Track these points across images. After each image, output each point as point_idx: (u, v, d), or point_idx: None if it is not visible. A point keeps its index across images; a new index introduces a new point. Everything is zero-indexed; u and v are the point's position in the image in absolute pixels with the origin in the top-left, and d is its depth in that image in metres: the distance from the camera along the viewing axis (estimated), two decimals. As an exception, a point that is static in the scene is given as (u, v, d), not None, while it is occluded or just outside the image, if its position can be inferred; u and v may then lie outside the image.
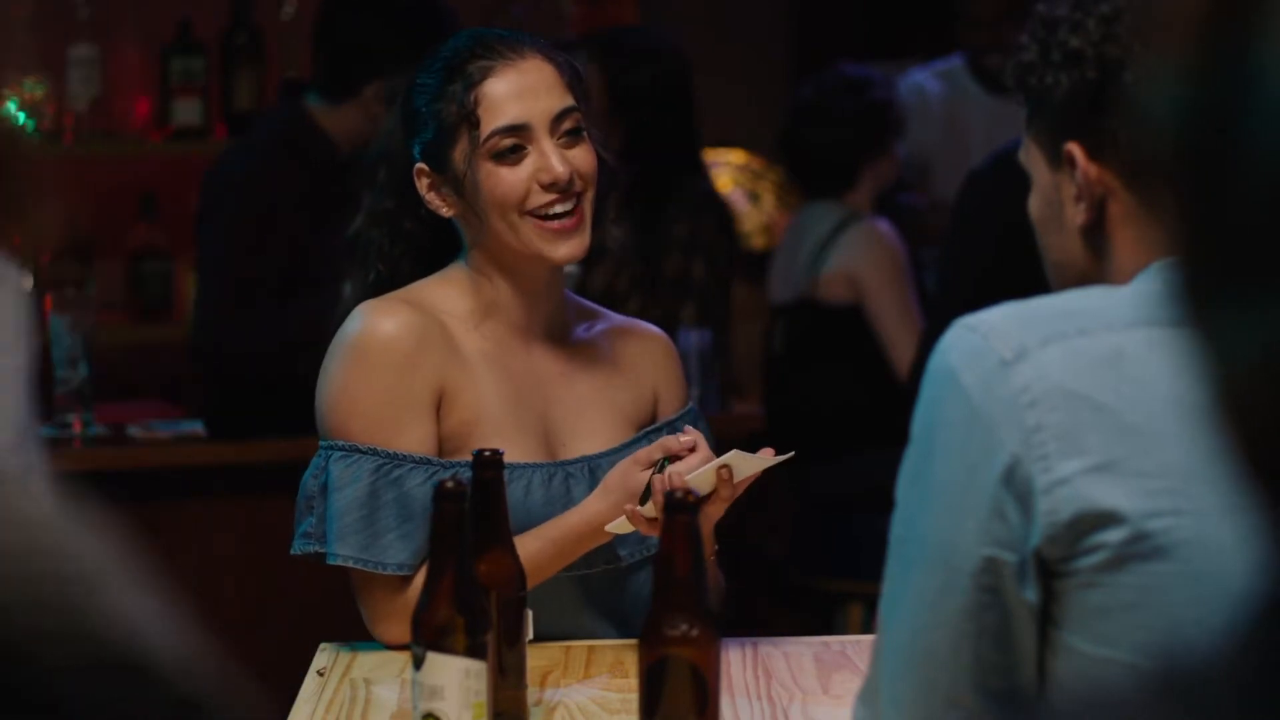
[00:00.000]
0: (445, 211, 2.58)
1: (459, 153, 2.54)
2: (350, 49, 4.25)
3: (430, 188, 2.57)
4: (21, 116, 5.08)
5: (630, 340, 2.72)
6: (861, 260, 4.87)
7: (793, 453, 2.46)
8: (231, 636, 4.50)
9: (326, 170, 4.28)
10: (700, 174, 4.67)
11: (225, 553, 4.13)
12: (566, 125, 2.54)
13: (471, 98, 2.52)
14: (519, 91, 2.52)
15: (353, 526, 2.48)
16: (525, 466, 2.55)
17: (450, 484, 2.09)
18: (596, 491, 2.51)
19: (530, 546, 2.43)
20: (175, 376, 5.12)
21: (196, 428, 4.28)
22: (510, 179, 2.52)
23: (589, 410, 2.63)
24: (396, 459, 2.49)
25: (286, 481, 4.15)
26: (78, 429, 4.12)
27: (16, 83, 5.02)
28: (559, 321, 2.66)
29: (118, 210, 5.25)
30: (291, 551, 2.56)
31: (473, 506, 2.19)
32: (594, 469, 2.59)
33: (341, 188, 4.37)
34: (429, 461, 2.50)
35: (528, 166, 2.52)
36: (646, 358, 2.71)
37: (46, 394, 4.15)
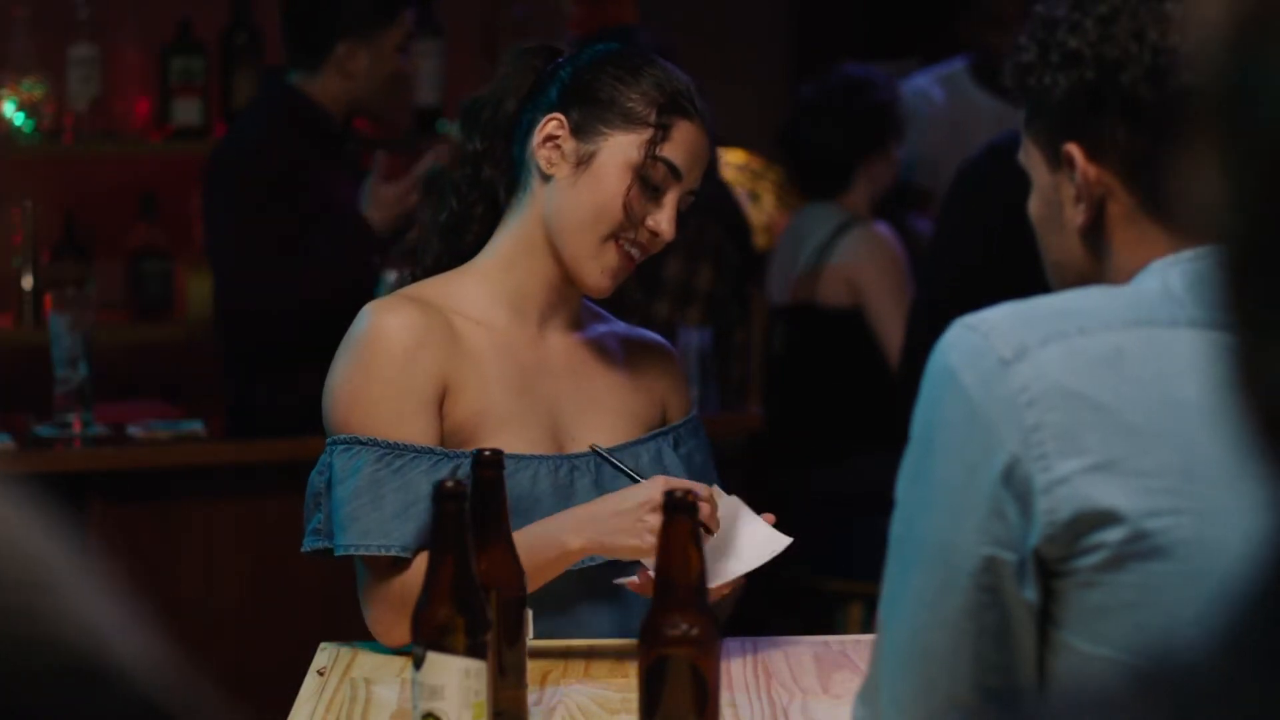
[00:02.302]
0: (548, 166, 2.58)
1: (619, 139, 2.56)
2: (313, 10, 4.32)
3: (550, 140, 2.58)
4: (20, 117, 5.08)
5: (638, 349, 2.75)
6: (862, 263, 4.87)
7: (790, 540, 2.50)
8: (231, 636, 4.52)
9: (326, 140, 4.32)
10: (711, 176, 4.66)
11: (225, 553, 4.13)
12: (687, 201, 2.61)
13: (668, 119, 2.57)
14: (692, 150, 2.60)
15: (355, 514, 2.49)
16: (532, 458, 2.56)
17: (450, 484, 2.09)
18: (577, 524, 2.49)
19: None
20: (175, 376, 5.12)
21: (196, 428, 4.28)
22: (635, 204, 2.56)
23: (599, 406, 2.65)
24: (397, 449, 2.50)
25: (286, 481, 4.17)
26: (78, 429, 4.12)
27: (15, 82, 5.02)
28: (576, 316, 2.69)
29: (118, 210, 5.25)
30: (302, 549, 2.56)
31: (473, 506, 2.19)
32: (599, 463, 2.60)
33: (341, 157, 4.42)
34: (432, 451, 2.51)
35: (652, 205, 2.57)
36: (654, 367, 2.74)
37: (46, 394, 4.15)
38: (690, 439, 2.71)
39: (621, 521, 2.45)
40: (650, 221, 2.57)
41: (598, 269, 2.58)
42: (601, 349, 2.70)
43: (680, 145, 2.58)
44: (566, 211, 2.58)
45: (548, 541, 2.47)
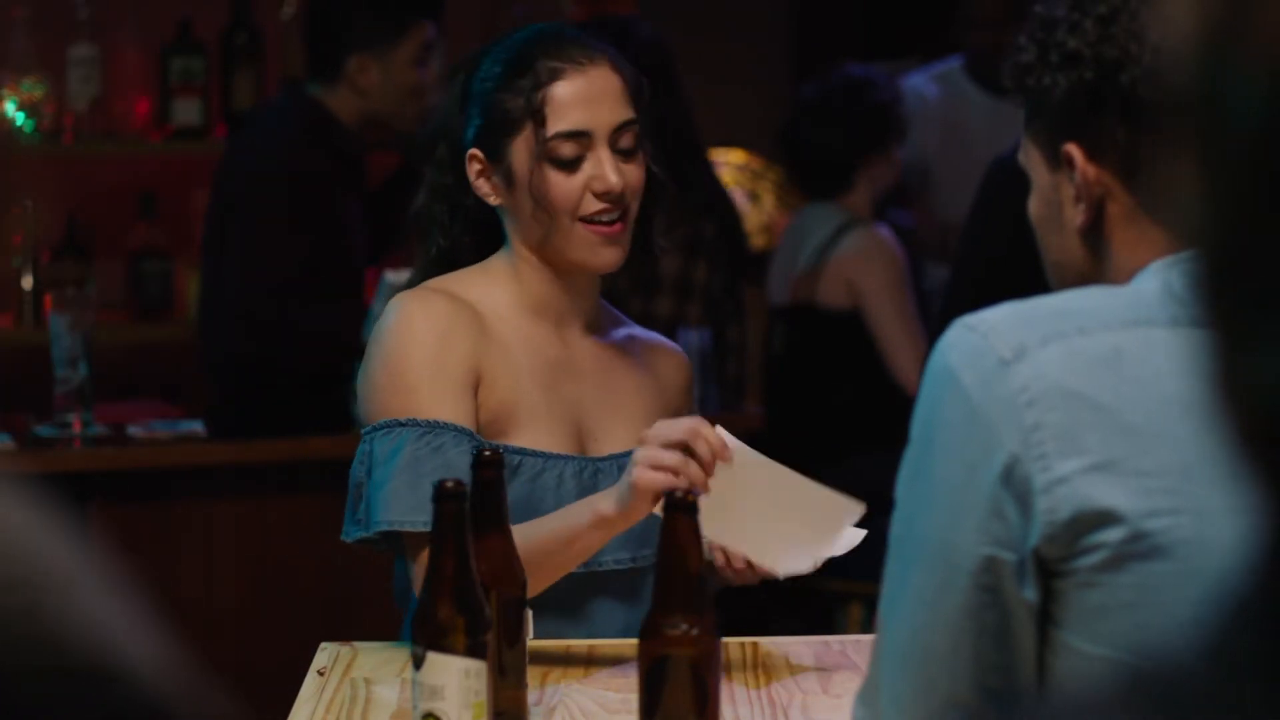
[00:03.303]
0: (493, 200, 2.60)
1: (517, 146, 2.56)
2: (327, 24, 4.32)
3: (481, 174, 2.60)
4: (20, 117, 5.08)
5: (657, 355, 2.75)
6: (861, 265, 4.87)
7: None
8: (231, 636, 4.52)
9: (344, 154, 4.31)
10: (703, 172, 4.65)
11: (225, 553, 4.13)
12: (624, 137, 2.58)
13: (539, 96, 2.55)
14: (585, 98, 2.56)
15: (397, 492, 2.47)
16: (559, 457, 2.57)
17: (450, 484, 2.10)
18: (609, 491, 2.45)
19: (532, 533, 2.42)
20: (175, 376, 5.12)
21: (196, 428, 4.28)
22: (566, 185, 2.55)
23: (621, 409, 2.66)
24: (436, 427, 2.50)
25: (286, 481, 4.18)
26: (78, 429, 4.12)
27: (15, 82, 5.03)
28: (596, 319, 2.69)
29: (118, 210, 5.25)
30: (343, 538, 2.54)
31: (473, 506, 2.19)
32: (621, 467, 2.59)
33: (359, 171, 4.41)
34: (471, 434, 2.51)
35: (583, 174, 2.55)
36: (670, 372, 2.75)
37: (46, 394, 4.15)
38: None
39: (628, 474, 2.38)
40: (595, 185, 2.54)
41: (584, 254, 2.57)
42: (623, 352, 2.70)
43: (566, 109, 2.55)
44: (524, 229, 2.60)
45: (581, 509, 2.43)
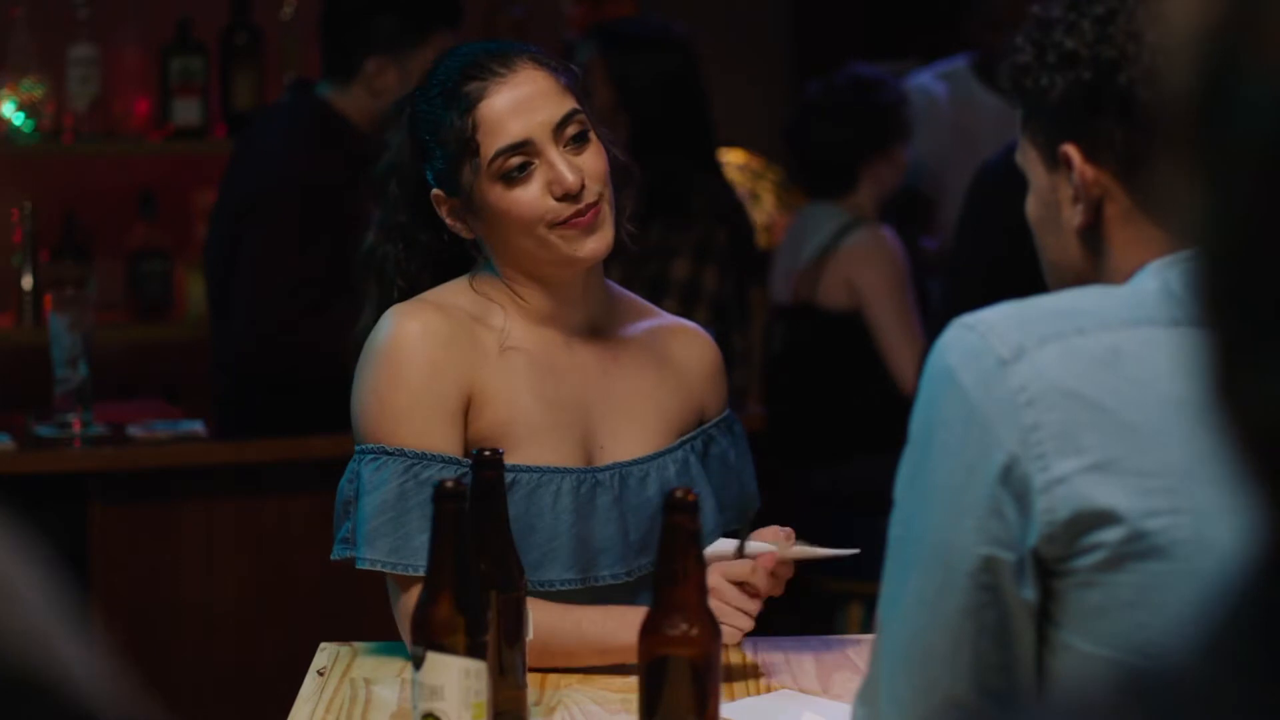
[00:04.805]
0: (468, 234, 2.58)
1: (469, 175, 2.53)
2: (345, 24, 4.31)
3: (450, 213, 2.57)
4: (20, 117, 5.08)
5: (681, 342, 2.70)
6: (863, 266, 4.86)
7: (857, 550, 2.49)
8: (231, 636, 4.51)
9: (356, 156, 4.29)
10: (715, 174, 4.65)
11: (225, 553, 4.13)
12: (570, 131, 2.53)
13: (469, 122, 2.51)
14: (515, 107, 2.52)
15: (382, 529, 2.46)
16: (557, 471, 2.53)
17: (450, 484, 2.09)
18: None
19: (567, 628, 2.46)
20: (175, 376, 5.12)
21: (196, 428, 4.28)
22: (524, 198, 2.51)
23: (631, 412, 2.61)
24: (425, 459, 2.47)
25: (286, 481, 4.18)
26: (78, 429, 4.12)
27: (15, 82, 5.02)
28: (603, 319, 2.64)
29: (118, 210, 5.25)
30: (331, 557, 2.53)
31: (473, 506, 2.19)
32: (624, 477, 2.57)
33: (366, 181, 4.38)
34: (458, 461, 2.48)
35: (538, 181, 2.51)
36: (696, 363, 2.69)
37: (46, 394, 4.15)
38: (723, 438, 2.67)
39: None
40: (554, 189, 2.51)
41: (568, 252, 2.52)
42: (637, 349, 2.65)
43: (500, 124, 2.52)
44: (505, 252, 2.56)
45: (624, 625, 2.43)
